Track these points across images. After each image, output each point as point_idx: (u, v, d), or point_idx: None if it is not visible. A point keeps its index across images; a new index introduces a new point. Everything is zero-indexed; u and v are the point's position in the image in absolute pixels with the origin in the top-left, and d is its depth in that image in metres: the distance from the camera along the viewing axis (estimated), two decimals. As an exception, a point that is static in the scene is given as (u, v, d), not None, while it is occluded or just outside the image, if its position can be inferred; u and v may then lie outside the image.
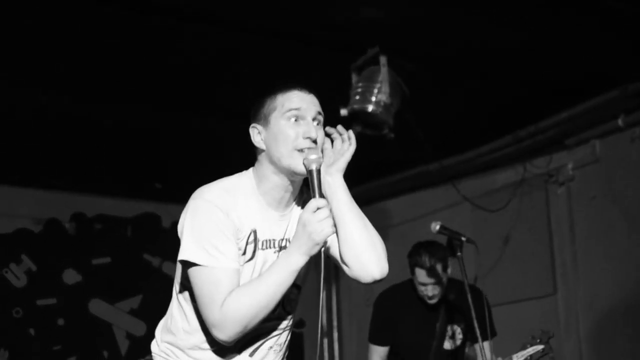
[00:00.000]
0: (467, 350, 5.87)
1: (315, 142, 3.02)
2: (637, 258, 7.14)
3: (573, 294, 7.68)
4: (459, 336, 5.69)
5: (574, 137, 7.52)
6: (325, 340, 10.08)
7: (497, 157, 8.03)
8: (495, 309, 7.80)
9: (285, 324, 3.19)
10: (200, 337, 3.07)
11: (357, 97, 5.90)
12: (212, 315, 2.89)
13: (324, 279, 2.89)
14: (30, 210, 9.12)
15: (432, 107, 6.97)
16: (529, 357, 5.17)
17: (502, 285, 8.05)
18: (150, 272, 9.77)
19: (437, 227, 5.11)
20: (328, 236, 2.88)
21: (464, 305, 5.46)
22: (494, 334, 5.65)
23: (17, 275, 9.07)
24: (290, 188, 3.11)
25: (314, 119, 3.07)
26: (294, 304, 3.20)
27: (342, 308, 10.17)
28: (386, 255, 3.19)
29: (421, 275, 5.45)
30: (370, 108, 5.87)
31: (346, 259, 3.14)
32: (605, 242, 7.42)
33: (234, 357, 3.08)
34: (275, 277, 2.91)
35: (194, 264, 2.94)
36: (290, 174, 3.04)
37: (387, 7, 5.51)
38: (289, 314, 3.19)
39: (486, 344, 5.59)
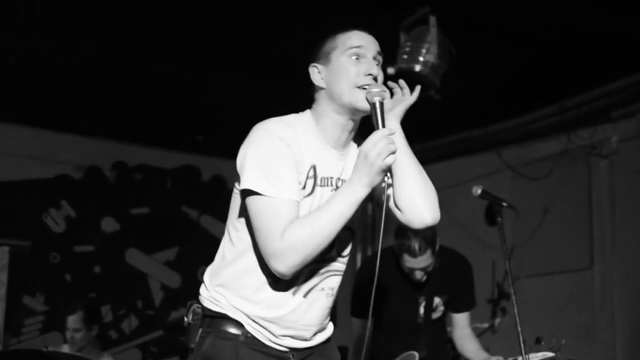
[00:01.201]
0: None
1: (375, 79, 3.04)
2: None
3: (609, 269, 7.63)
4: (440, 308, 5.48)
5: (620, 110, 7.42)
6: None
7: (541, 126, 7.95)
8: (530, 279, 7.82)
9: (336, 266, 3.18)
10: (255, 277, 3.06)
11: (405, 57, 5.83)
12: (272, 244, 2.89)
13: (384, 224, 2.98)
14: (72, 157, 9.19)
15: (480, 73, 6.92)
16: None
17: (538, 256, 8.02)
18: (188, 224, 9.83)
19: (479, 192, 5.02)
20: (389, 165, 2.87)
21: (448, 275, 5.38)
22: (475, 304, 5.60)
23: (57, 220, 9.15)
24: (349, 127, 3.12)
25: (374, 58, 3.10)
26: (345, 245, 3.19)
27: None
28: (438, 203, 3.21)
29: (409, 261, 5.15)
30: (417, 68, 5.80)
31: (400, 203, 3.17)
32: (645, 219, 7.36)
33: (288, 298, 3.08)
34: (336, 207, 2.91)
35: (255, 194, 2.93)
36: (351, 111, 3.06)
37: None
38: (340, 256, 3.18)
39: (467, 314, 5.55)
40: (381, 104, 2.96)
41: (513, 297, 5.00)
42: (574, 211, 7.95)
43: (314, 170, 3.05)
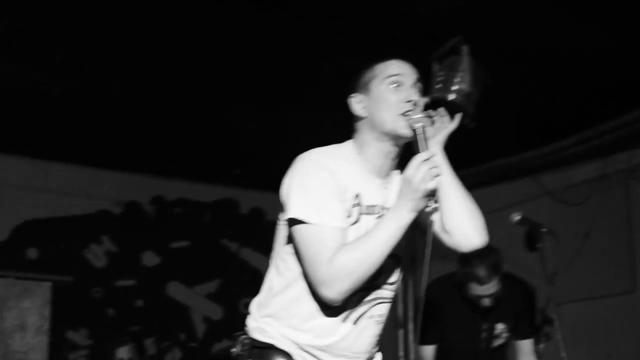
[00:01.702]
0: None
1: (416, 105, 3.09)
2: None
3: (653, 292, 7.58)
4: (504, 334, 5.48)
5: (657, 133, 7.39)
6: (401, 331, 10.07)
7: (578, 151, 7.92)
8: (572, 305, 7.76)
9: (384, 294, 3.19)
10: (305, 305, 3.08)
11: (438, 86, 5.83)
12: (321, 271, 2.91)
13: (429, 249, 2.97)
14: (111, 192, 9.26)
15: (515, 99, 6.91)
16: None
17: (580, 280, 7.97)
18: (228, 257, 9.86)
19: (518, 218, 5.03)
20: (433, 189, 2.88)
21: (511, 300, 5.37)
22: (537, 330, 5.56)
23: (98, 255, 9.20)
24: (392, 154, 3.16)
25: (413, 85, 3.17)
26: (391, 273, 3.19)
27: (418, 299, 10.11)
28: (484, 225, 3.24)
29: (477, 289, 5.16)
30: (450, 97, 5.80)
31: (448, 227, 3.19)
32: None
33: (338, 325, 3.09)
34: (383, 233, 2.92)
35: (302, 222, 2.96)
36: (394, 138, 3.10)
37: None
38: (386, 283, 3.19)
39: (531, 341, 5.51)
40: (423, 129, 2.99)
41: (557, 323, 4.99)
42: (614, 235, 7.90)
43: (358, 198, 3.07)
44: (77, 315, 8.99)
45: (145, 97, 7.16)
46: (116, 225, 9.37)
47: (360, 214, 3.08)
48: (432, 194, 2.91)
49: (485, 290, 5.14)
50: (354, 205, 3.06)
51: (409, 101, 3.09)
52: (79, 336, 8.96)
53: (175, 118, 7.64)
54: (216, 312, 9.76)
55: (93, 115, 7.57)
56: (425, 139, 2.98)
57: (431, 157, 2.90)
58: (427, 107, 3.19)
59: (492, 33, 5.90)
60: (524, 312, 5.42)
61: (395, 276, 3.23)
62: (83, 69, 6.63)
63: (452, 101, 5.91)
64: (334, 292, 2.92)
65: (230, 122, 7.73)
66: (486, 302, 5.22)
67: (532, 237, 5.11)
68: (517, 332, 5.49)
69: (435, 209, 3.08)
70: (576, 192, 8.12)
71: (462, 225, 3.18)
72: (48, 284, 8.81)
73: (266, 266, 3.25)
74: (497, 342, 5.47)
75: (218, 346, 9.56)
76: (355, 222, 3.06)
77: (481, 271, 5.05)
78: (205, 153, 8.68)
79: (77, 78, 6.78)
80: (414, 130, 3.00)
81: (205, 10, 5.72)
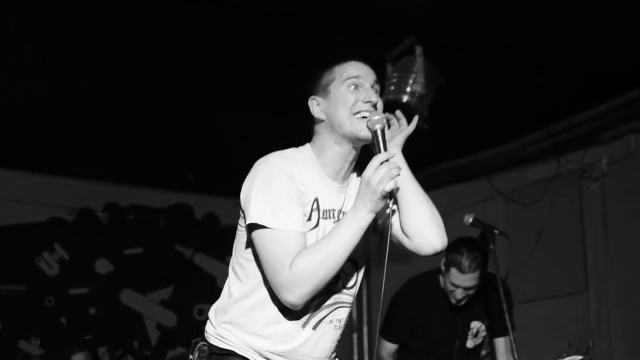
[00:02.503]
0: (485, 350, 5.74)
1: (375, 107, 3.07)
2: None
3: (605, 291, 7.62)
4: (482, 333, 5.50)
5: (609, 132, 7.43)
6: (355, 335, 10.06)
7: (530, 152, 7.96)
8: (526, 305, 7.79)
9: (343, 298, 3.17)
10: (266, 311, 3.06)
11: (392, 88, 5.84)
12: (282, 276, 2.89)
13: (388, 251, 2.97)
14: (64, 200, 9.20)
15: (467, 100, 6.94)
16: None
17: (533, 281, 8.00)
18: (182, 263, 9.81)
19: (470, 220, 5.04)
20: (391, 190, 2.88)
21: (488, 299, 5.38)
22: (514, 328, 5.58)
23: (50, 264, 9.14)
24: (350, 157, 3.14)
25: (372, 87, 3.13)
26: (350, 277, 3.18)
27: (372, 303, 10.11)
28: (444, 228, 3.22)
29: (456, 277, 5.15)
30: (404, 99, 5.81)
31: (408, 230, 3.18)
32: (639, 239, 7.34)
33: (298, 331, 3.08)
34: (343, 234, 2.92)
35: (262, 227, 2.94)
36: (353, 140, 3.08)
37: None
38: (345, 288, 3.17)
39: (507, 339, 5.51)
40: (382, 131, 2.98)
41: (509, 324, 5.00)
42: (567, 235, 7.94)
43: (317, 202, 3.07)
44: (29, 325, 8.91)
45: (96, 102, 7.10)
46: (69, 233, 9.31)
47: (319, 218, 3.08)
48: (390, 196, 2.91)
49: (463, 280, 5.15)
50: (313, 210, 3.06)
51: (367, 102, 3.07)
52: (31, 346, 8.89)
53: (128, 123, 7.58)
54: (170, 319, 9.71)
55: (44, 122, 7.50)
56: (385, 141, 2.97)
57: (390, 158, 2.90)
58: (384, 109, 3.17)
59: (444, 32, 5.92)
60: (500, 310, 5.41)
61: (354, 280, 3.22)
62: (34, 77, 6.56)
63: (406, 103, 5.95)
64: (295, 296, 2.90)
65: (182, 126, 7.69)
66: (459, 294, 5.23)
67: (484, 239, 5.12)
68: (494, 330, 5.50)
69: (394, 211, 3.09)
70: (529, 192, 8.16)
71: (423, 227, 3.18)
72: (-3, 294, 8.76)
73: (220, 272, 3.23)
74: (476, 342, 5.50)
75: (172, 353, 9.52)
76: (314, 227, 3.06)
77: (466, 260, 5.07)
78: (158, 159, 8.63)
79: (28, 84, 6.71)
80: (373, 132, 2.99)
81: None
